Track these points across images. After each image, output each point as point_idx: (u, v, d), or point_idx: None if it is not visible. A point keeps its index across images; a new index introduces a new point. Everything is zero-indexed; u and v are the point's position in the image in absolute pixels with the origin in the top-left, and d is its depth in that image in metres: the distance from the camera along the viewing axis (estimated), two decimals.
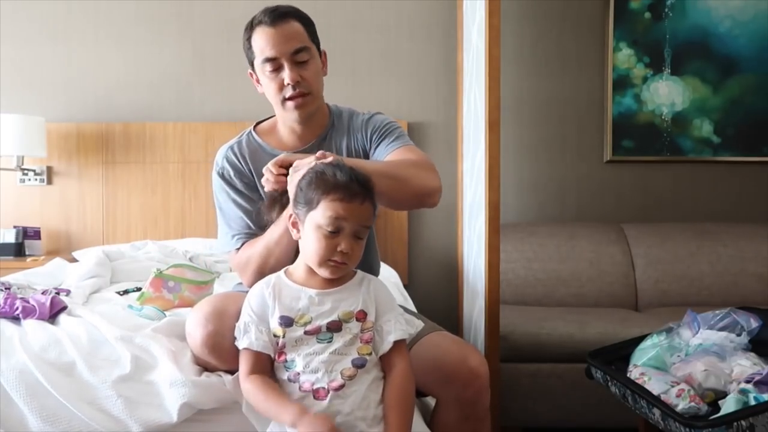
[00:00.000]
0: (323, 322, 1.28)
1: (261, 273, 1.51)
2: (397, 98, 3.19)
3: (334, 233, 1.26)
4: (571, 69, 3.26)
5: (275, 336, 1.29)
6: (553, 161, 3.27)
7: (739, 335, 1.68)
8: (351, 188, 1.27)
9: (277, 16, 1.57)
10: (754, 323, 1.70)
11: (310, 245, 1.29)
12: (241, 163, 1.67)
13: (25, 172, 3.10)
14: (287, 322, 1.29)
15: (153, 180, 3.16)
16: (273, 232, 1.50)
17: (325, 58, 1.68)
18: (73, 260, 2.60)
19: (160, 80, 3.22)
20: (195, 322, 1.43)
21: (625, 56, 3.24)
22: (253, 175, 1.66)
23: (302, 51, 1.57)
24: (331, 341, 1.27)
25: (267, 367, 1.31)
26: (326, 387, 1.25)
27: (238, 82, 3.22)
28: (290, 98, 1.58)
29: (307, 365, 1.26)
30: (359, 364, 1.27)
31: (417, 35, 3.23)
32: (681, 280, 2.90)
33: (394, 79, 3.18)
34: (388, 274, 2.59)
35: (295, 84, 1.56)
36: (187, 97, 3.23)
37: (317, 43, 1.64)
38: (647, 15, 3.24)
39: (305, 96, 1.58)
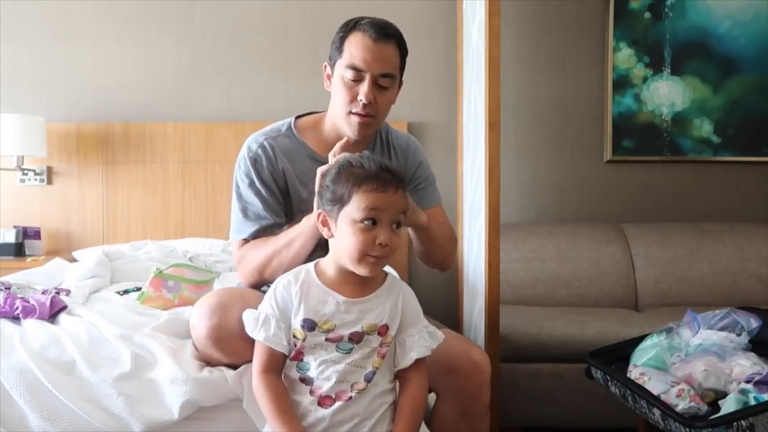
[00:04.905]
0: (346, 331, 1.24)
1: (260, 273, 1.52)
2: (398, 98, 3.18)
3: (371, 226, 1.21)
4: (571, 69, 3.26)
5: (295, 337, 1.26)
6: (553, 161, 3.27)
7: (739, 335, 1.68)
8: (383, 177, 1.22)
9: (382, 34, 1.52)
10: (754, 323, 1.69)
11: (347, 241, 1.22)
12: (274, 156, 1.60)
13: (25, 172, 3.10)
14: (310, 325, 1.25)
15: (153, 180, 3.16)
16: (286, 235, 1.49)
17: (400, 88, 1.65)
18: (73, 260, 2.60)
19: (160, 80, 3.22)
20: (200, 314, 1.43)
21: (625, 56, 3.24)
22: (282, 172, 1.60)
23: (388, 77, 1.54)
24: (350, 352, 1.24)
25: (281, 365, 1.28)
26: (333, 396, 1.23)
27: (238, 82, 3.23)
28: (356, 114, 1.53)
29: (322, 372, 1.24)
30: (370, 378, 1.25)
31: (417, 35, 3.22)
32: (681, 280, 2.90)
33: None
34: None
35: (368, 103, 1.52)
36: (187, 97, 3.23)
37: (402, 73, 1.62)
38: (647, 15, 3.24)
39: (370, 117, 1.55)
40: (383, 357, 1.26)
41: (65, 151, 3.15)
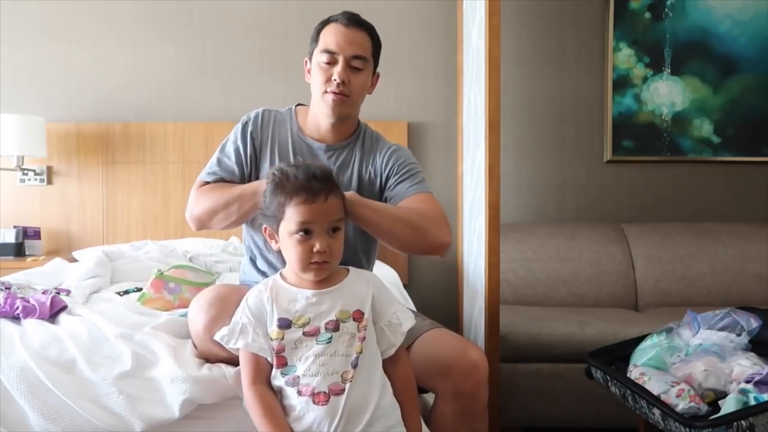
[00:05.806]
0: (321, 322, 1.28)
1: (212, 214, 1.58)
2: (397, 98, 3.19)
3: (306, 236, 1.27)
4: (571, 69, 3.26)
5: (272, 339, 1.28)
6: (552, 161, 3.27)
7: (739, 335, 1.68)
8: (312, 187, 1.27)
9: (353, 21, 1.64)
10: (754, 323, 1.70)
11: (289, 253, 1.30)
12: (263, 122, 1.71)
13: (25, 172, 3.10)
14: (285, 324, 1.28)
15: (153, 180, 3.16)
16: (240, 189, 1.57)
17: (377, 80, 1.73)
18: (73, 260, 2.60)
19: (160, 80, 3.22)
20: (198, 308, 1.46)
21: (625, 56, 3.24)
22: (267, 137, 1.69)
23: (360, 59, 1.63)
24: (330, 342, 1.27)
25: (268, 374, 1.30)
26: (327, 391, 1.24)
27: (238, 82, 3.23)
28: (331, 92, 1.61)
29: (308, 368, 1.26)
30: (355, 364, 1.27)
31: (417, 35, 3.23)
32: (681, 280, 2.90)
33: (394, 79, 3.18)
34: (387, 274, 2.59)
35: (341, 81, 1.60)
36: (187, 97, 3.23)
37: (375, 64, 1.71)
38: (647, 15, 3.24)
39: (344, 96, 1.62)
40: (363, 341, 1.29)
41: (65, 151, 3.15)
